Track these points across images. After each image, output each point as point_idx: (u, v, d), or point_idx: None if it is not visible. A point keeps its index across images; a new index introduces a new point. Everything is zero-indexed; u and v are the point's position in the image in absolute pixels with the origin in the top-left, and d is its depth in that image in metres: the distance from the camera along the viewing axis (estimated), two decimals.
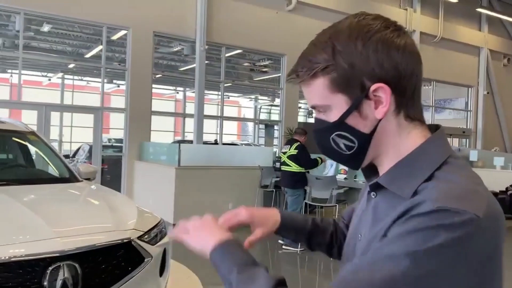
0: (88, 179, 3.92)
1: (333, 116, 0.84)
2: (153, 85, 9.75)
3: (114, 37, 10.29)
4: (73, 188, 3.61)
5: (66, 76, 17.98)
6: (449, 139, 5.40)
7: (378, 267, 0.71)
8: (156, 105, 10.26)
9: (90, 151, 9.58)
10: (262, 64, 13.70)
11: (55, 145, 15.99)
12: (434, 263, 0.68)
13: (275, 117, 15.68)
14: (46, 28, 10.61)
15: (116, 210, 2.99)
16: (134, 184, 9.05)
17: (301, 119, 14.85)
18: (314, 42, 0.85)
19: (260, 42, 10.74)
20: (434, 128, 0.87)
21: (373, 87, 0.79)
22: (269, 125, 12.42)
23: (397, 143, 0.84)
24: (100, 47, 10.31)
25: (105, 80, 14.58)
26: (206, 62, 10.33)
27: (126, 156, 9.19)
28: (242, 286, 0.81)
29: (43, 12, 8.57)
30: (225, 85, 17.95)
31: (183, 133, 18.33)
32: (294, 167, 6.12)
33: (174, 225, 1.31)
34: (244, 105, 23.23)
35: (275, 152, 10.10)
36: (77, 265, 2.34)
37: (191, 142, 10.79)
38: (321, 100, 0.84)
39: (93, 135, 9.09)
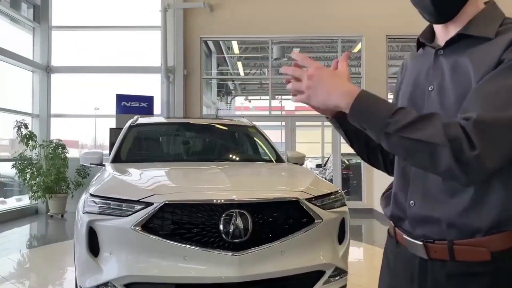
0: (296, 163, 4.40)
1: None
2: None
3: (355, 50, 10.80)
4: (271, 165, 4.14)
5: None
6: None
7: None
8: None
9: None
10: None
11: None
12: None
13: None
14: (296, 51, 12.06)
15: (293, 178, 3.29)
16: (373, 186, 9.18)
17: None
18: None
19: None
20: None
21: None
22: None
23: (471, 5, 1.09)
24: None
25: None
26: None
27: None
28: (413, 126, 0.94)
29: (287, 36, 9.86)
30: None
31: None
32: None
33: None
34: None
35: None
36: (248, 214, 2.72)
37: None
38: None
39: (332, 143, 9.75)
